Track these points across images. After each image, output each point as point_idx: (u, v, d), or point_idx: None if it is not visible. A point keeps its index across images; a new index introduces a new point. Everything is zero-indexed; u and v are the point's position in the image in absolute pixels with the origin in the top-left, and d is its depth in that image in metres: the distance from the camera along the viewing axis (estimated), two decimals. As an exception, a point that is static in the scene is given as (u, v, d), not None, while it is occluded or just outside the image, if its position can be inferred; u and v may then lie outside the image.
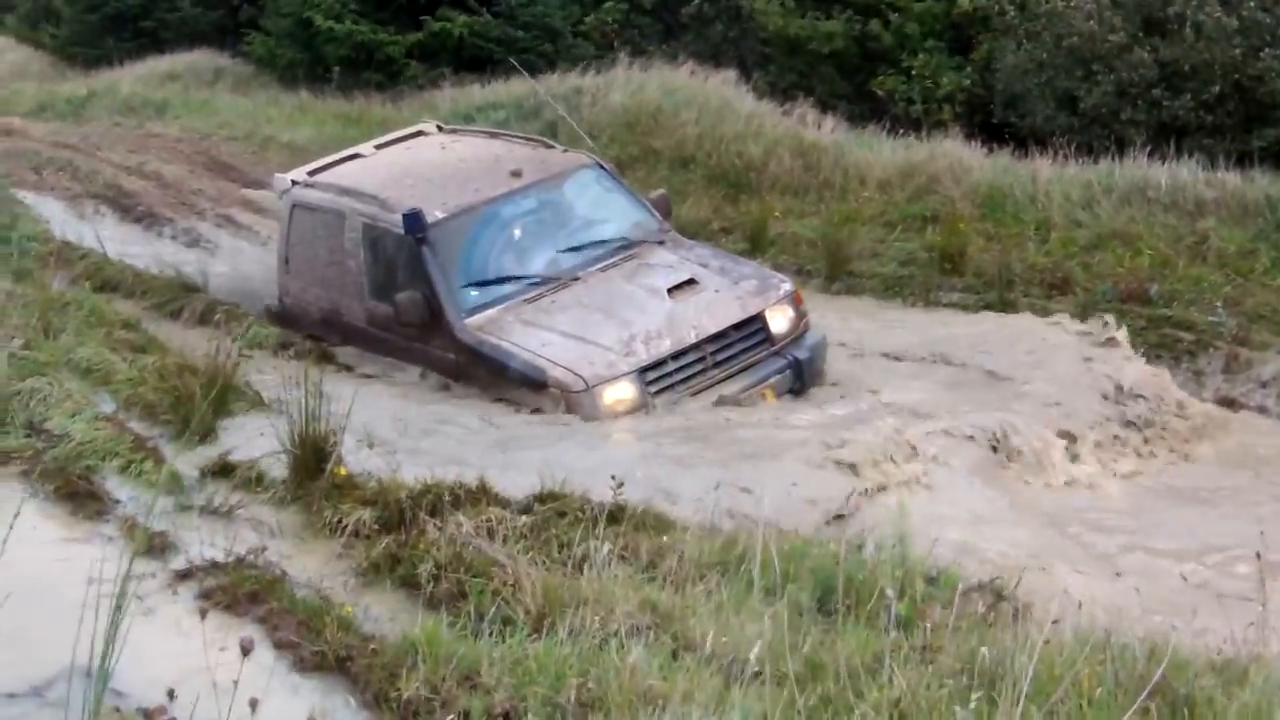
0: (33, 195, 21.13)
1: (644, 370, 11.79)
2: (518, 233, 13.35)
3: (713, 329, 12.16)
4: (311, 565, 8.13)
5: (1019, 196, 17.28)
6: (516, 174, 13.61)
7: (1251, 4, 18.40)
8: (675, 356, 11.96)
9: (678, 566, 7.20)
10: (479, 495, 8.53)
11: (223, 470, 9.49)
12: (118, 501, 9.05)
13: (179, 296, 14.88)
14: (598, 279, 12.80)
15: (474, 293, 12.76)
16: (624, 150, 21.11)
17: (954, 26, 22.92)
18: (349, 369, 12.96)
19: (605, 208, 13.79)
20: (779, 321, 12.53)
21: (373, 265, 13.52)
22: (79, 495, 9.05)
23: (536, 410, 11.83)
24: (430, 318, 12.61)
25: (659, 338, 11.97)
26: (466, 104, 25.05)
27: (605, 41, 26.46)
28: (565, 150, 14.76)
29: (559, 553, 7.59)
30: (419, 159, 14.70)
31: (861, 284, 15.94)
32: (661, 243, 13.46)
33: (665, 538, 7.82)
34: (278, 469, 9.32)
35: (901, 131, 20.28)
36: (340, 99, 28.01)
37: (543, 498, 8.50)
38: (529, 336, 12.13)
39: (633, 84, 22.69)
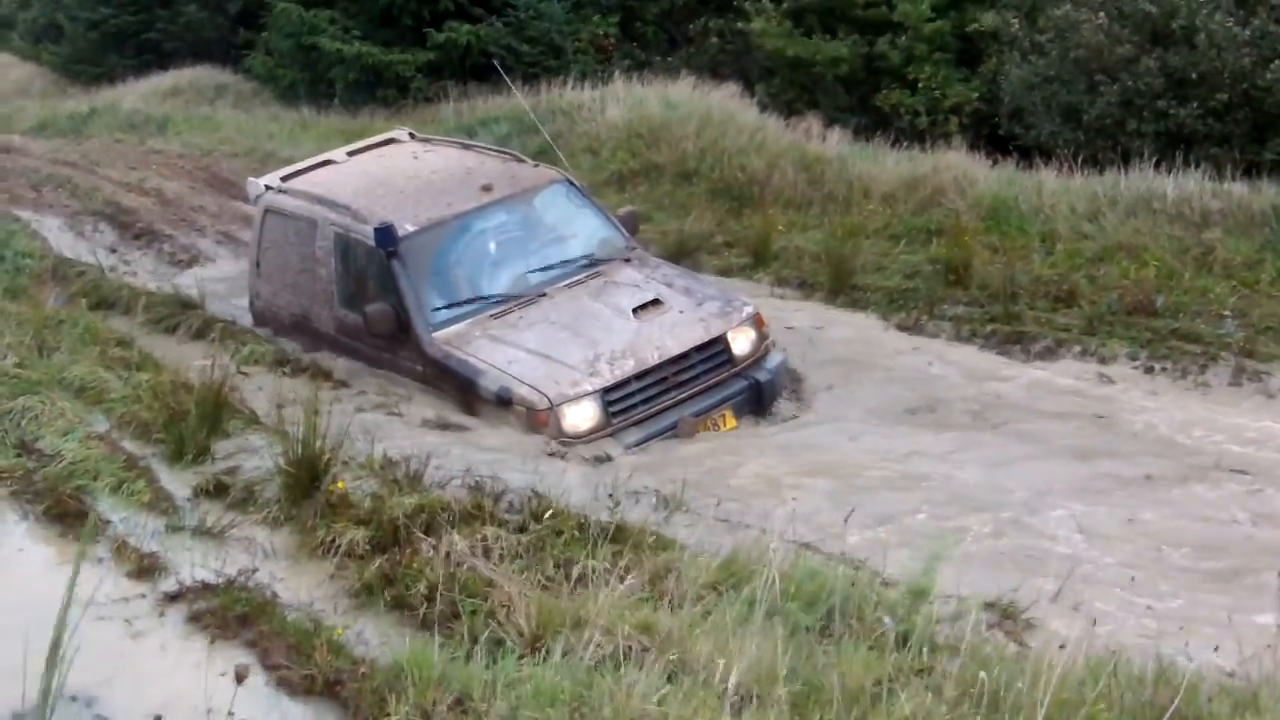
0: (31, 213, 21.06)
1: (607, 390, 11.84)
2: (489, 247, 13.40)
3: (676, 350, 12.23)
4: (304, 586, 7.97)
5: (1024, 209, 17.10)
6: (487, 188, 13.68)
7: (1264, 14, 18.27)
8: (638, 377, 12.02)
9: (676, 586, 7.04)
10: (475, 512, 8.39)
11: (216, 490, 9.34)
12: (108, 522, 8.87)
13: (176, 313, 14.75)
14: (565, 296, 12.88)
15: (442, 306, 12.84)
16: (625, 165, 21.02)
17: (963, 39, 22.78)
18: (345, 385, 12.77)
19: (574, 224, 13.85)
20: (741, 343, 12.63)
21: (343, 274, 13.62)
22: (69, 516, 8.91)
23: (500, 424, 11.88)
24: (399, 330, 12.71)
25: (623, 358, 12.04)
26: (470, 118, 25.04)
27: (603, 55, 26.32)
28: (536, 165, 14.81)
29: (555, 572, 7.45)
30: (391, 168, 14.72)
31: (865, 298, 15.70)
32: (628, 260, 13.54)
33: (665, 556, 7.69)
34: (271, 488, 9.17)
35: (906, 144, 20.12)
36: (343, 114, 27.93)
37: (539, 515, 8.35)
38: (496, 352, 12.20)
39: (632, 98, 22.62)
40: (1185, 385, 13.00)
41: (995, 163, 18.77)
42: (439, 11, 27.36)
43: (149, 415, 10.46)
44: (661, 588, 7.10)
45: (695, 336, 12.38)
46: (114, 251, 18.83)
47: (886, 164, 19.15)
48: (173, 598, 7.76)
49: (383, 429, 11.09)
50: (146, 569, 8.13)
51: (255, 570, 8.02)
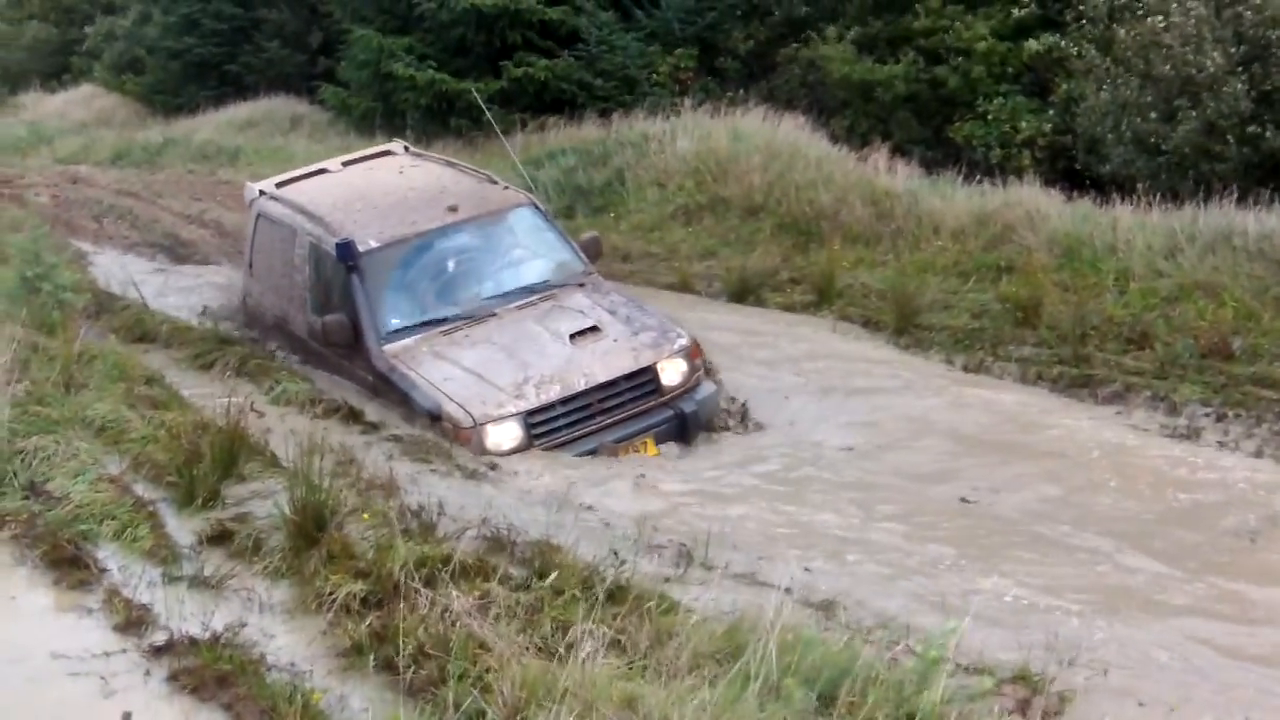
0: (90, 244, 20.93)
1: (530, 413, 12.25)
2: (448, 266, 13.96)
3: (603, 378, 12.62)
4: (295, 644, 7.57)
5: (1098, 245, 16.38)
6: (453, 209, 14.20)
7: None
8: (563, 402, 12.43)
9: (675, 655, 6.51)
10: (479, 566, 7.94)
11: (221, 537, 8.95)
12: (105, 570, 8.52)
13: (214, 349, 14.42)
14: (512, 318, 13.36)
15: (395, 321, 13.34)
16: (691, 199, 20.60)
17: (1030, 69, 22.03)
18: (375, 428, 12.35)
19: (534, 247, 14.40)
20: (670, 374, 12.95)
21: (315, 283, 14.27)
22: (65, 563, 8.55)
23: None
24: (354, 340, 13.30)
25: (550, 383, 12.45)
26: (538, 149, 24.64)
27: (681, 88, 25.83)
28: (506, 188, 15.11)
29: (554, 635, 6.96)
30: (374, 182, 15.29)
31: (930, 338, 15.11)
32: (582, 285, 14.00)
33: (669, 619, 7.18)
34: (278, 537, 8.75)
35: (978, 178, 19.43)
36: (415, 145, 27.63)
37: (544, 571, 7.87)
38: (435, 369, 12.71)
39: (701, 130, 22.14)
40: (1261, 435, 12.30)
41: (1070, 198, 18.01)
42: (508, 44, 27.04)
43: (165, 456, 10.08)
44: (659, 655, 6.58)
45: (624, 365, 12.77)
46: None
47: (956, 199, 18.46)
48: (157, 653, 7.38)
49: (410, 476, 10.66)
50: (135, 622, 7.81)
51: (243, 626, 7.63)
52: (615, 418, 12.57)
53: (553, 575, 7.76)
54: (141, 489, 9.81)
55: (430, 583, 7.61)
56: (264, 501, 9.38)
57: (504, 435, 12.14)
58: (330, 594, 7.78)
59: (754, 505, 10.66)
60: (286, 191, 15.48)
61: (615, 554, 7.99)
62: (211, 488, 9.55)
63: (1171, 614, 8.77)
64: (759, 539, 9.78)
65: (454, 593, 7.37)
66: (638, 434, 12.53)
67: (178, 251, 20.71)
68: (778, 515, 10.38)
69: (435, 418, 12.33)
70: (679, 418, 12.75)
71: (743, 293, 17.21)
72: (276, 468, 10.17)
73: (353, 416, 12.48)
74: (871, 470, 11.86)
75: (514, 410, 12.21)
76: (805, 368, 14.38)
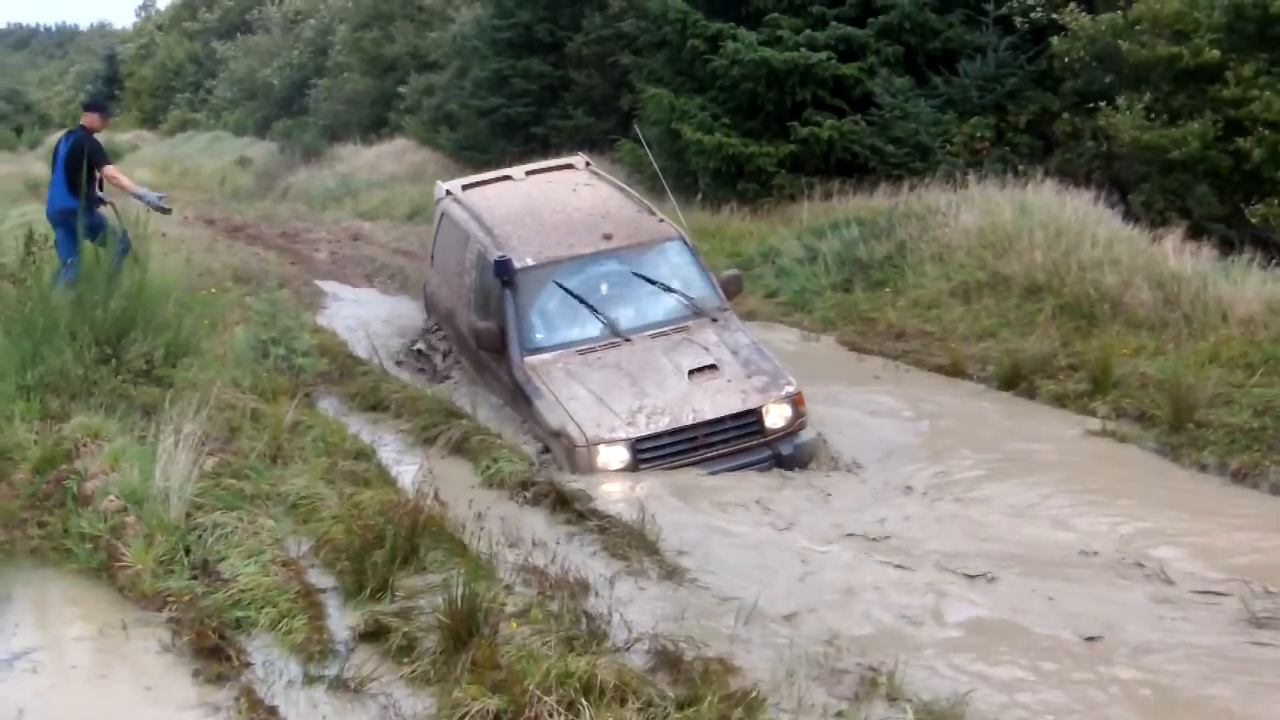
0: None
1: (638, 440, 13.14)
2: (596, 289, 14.79)
3: (709, 415, 13.43)
4: (416, 767, 7.02)
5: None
6: (608, 237, 15.27)
7: None
8: (670, 433, 13.26)
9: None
10: (619, 689, 7.27)
11: (376, 634, 8.46)
12: (248, 664, 8.10)
13: (440, 421, 14.03)
14: (644, 345, 14.28)
15: (539, 335, 14.43)
16: (971, 275, 19.64)
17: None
18: (583, 517, 11.65)
19: (677, 280, 15.12)
20: (774, 417, 13.66)
21: (479, 287, 15.52)
22: (209, 652, 8.17)
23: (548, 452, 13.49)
24: (501, 348, 14.47)
25: (660, 414, 13.33)
26: (825, 219, 23.99)
27: (974, 158, 24.85)
28: (661, 220, 15.93)
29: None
30: (548, 196, 16.52)
31: (1206, 436, 13.92)
32: (715, 320, 14.84)
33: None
34: (432, 638, 8.22)
35: (1276, 262, 18.06)
36: (703, 209, 27.23)
37: (682, 703, 7.17)
38: (564, 387, 13.71)
39: (987, 203, 21.18)
40: None
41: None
42: (799, 102, 26.53)
43: (346, 540, 9.62)
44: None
45: (731, 406, 13.55)
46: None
47: (1248, 284, 17.15)
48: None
49: (603, 576, 10.03)
50: (257, 730, 7.31)
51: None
52: (717, 451, 13.34)
53: (690, 710, 7.06)
54: (315, 574, 9.40)
55: (570, 705, 7.01)
56: (437, 595, 8.86)
57: (612, 456, 13.06)
58: (464, 709, 7.22)
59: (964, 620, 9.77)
60: (469, 195, 17.08)
61: (756, 693, 7.25)
62: (382, 577, 9.06)
63: None
64: (966, 657, 8.94)
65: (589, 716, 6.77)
66: (735, 469, 13.23)
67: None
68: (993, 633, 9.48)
69: (555, 433, 13.34)
70: (775, 458, 13.47)
71: (1014, 379, 16.27)
72: (463, 557, 9.64)
73: (561, 503, 11.87)
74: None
75: (624, 436, 13.13)
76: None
